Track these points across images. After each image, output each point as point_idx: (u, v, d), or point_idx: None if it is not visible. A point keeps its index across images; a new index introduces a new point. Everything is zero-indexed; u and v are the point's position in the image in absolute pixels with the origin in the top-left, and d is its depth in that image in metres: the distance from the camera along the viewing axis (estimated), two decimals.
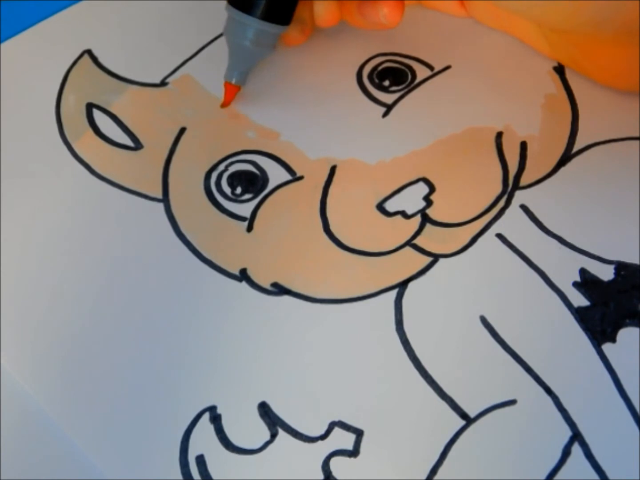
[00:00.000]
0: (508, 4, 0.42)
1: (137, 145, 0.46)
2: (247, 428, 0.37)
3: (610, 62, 0.44)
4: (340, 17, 0.46)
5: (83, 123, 0.46)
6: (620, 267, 0.41)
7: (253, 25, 0.44)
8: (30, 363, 0.39)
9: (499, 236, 0.42)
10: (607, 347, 0.39)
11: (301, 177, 0.44)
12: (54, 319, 0.40)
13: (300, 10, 0.46)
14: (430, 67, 0.48)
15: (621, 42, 0.42)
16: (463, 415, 0.37)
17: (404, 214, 0.42)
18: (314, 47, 0.49)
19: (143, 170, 0.45)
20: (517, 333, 0.39)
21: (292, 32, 0.47)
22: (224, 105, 0.47)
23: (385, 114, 0.47)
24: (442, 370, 0.38)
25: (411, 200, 0.43)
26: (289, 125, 0.46)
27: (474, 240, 0.42)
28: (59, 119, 0.47)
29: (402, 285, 0.41)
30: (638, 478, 0.35)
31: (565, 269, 0.41)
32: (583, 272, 0.41)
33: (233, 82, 0.46)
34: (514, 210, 0.43)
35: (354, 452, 0.37)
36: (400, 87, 0.47)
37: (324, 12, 0.46)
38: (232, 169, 0.45)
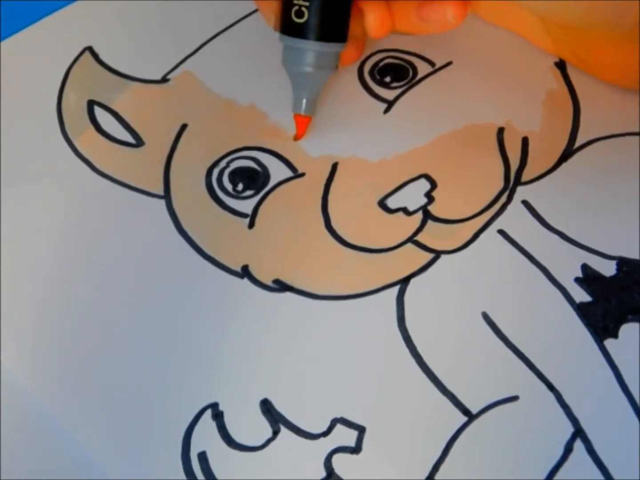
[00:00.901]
0: (522, 3, 0.42)
1: (139, 142, 0.46)
2: (249, 425, 0.38)
3: (614, 60, 0.44)
4: (393, 26, 0.45)
5: (84, 120, 0.46)
6: (623, 263, 0.41)
7: (311, 48, 0.43)
8: (31, 360, 0.39)
9: (501, 232, 0.42)
10: (609, 343, 0.38)
11: (303, 174, 0.44)
12: (54, 315, 0.40)
13: (351, 27, 0.44)
14: (432, 63, 0.48)
15: (629, 40, 0.42)
16: (465, 411, 0.37)
17: (405, 210, 0.42)
18: None
19: (144, 167, 0.45)
20: (519, 329, 0.39)
21: (347, 49, 0.45)
22: (297, 138, 0.46)
23: (386, 110, 0.47)
24: (444, 366, 0.38)
25: (413, 196, 0.43)
26: (291, 123, 0.46)
27: (475, 236, 0.42)
28: (60, 116, 0.47)
29: (404, 282, 0.41)
30: None
31: (567, 265, 0.41)
32: (585, 267, 0.41)
33: (302, 113, 0.45)
34: (515, 206, 0.43)
35: (356, 449, 0.37)
36: (401, 84, 0.47)
37: (376, 22, 0.44)
38: (233, 165, 0.44)
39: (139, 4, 0.51)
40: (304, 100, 0.44)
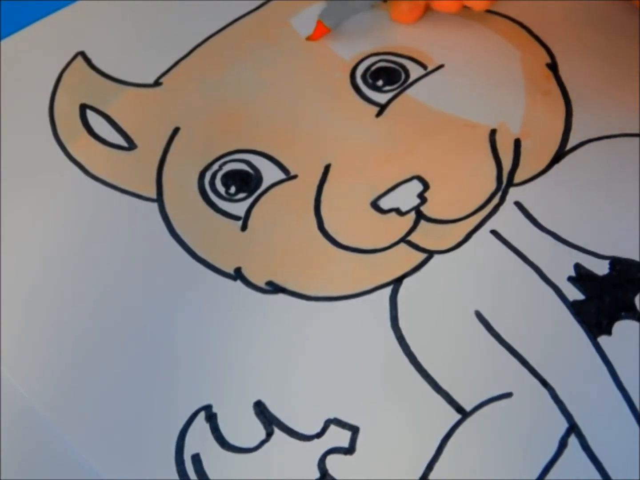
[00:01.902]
0: None
1: (131, 146, 0.46)
2: (242, 427, 0.37)
3: None
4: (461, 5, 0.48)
5: (77, 124, 0.47)
6: (615, 262, 0.41)
7: None
8: (27, 364, 0.39)
9: (494, 232, 0.42)
10: (603, 340, 0.39)
11: (295, 176, 0.44)
12: (48, 318, 0.40)
13: None
14: (424, 66, 0.48)
15: None
16: (459, 409, 0.37)
17: (398, 211, 0.42)
18: (308, 47, 0.50)
19: (137, 170, 0.45)
20: (512, 327, 0.39)
21: (401, 6, 0.50)
22: (310, 39, 0.50)
23: (378, 114, 0.47)
24: (437, 364, 0.38)
25: (405, 197, 0.43)
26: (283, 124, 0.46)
27: (468, 236, 0.42)
28: (52, 121, 0.47)
29: (397, 282, 0.41)
30: (636, 468, 0.35)
31: (560, 264, 0.41)
32: (578, 267, 0.41)
33: (327, 24, 0.49)
34: (508, 207, 0.43)
35: (349, 450, 0.37)
36: (393, 87, 0.48)
37: None
38: (226, 168, 0.45)
39: (131, 8, 0.52)
40: (333, 16, 0.50)
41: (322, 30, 0.49)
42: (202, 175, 0.44)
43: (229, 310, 0.40)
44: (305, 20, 0.50)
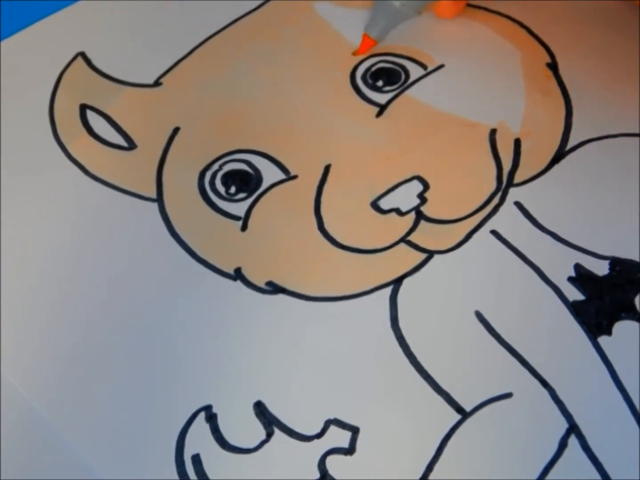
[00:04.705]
0: None
1: (131, 146, 0.46)
2: (242, 427, 0.37)
3: None
4: None
5: (77, 124, 0.47)
6: (615, 262, 0.41)
7: None
8: (27, 364, 0.39)
9: (494, 233, 0.42)
10: (603, 340, 0.39)
11: (295, 176, 0.44)
12: (48, 318, 0.40)
13: None
14: (424, 66, 0.48)
15: None
16: (459, 409, 0.37)
17: (398, 211, 0.42)
18: (308, 46, 0.50)
19: (137, 170, 0.45)
20: (512, 327, 0.39)
21: (444, 2, 0.49)
22: (356, 54, 0.49)
23: (378, 114, 0.47)
24: (437, 365, 0.38)
25: (405, 197, 0.43)
26: (283, 124, 0.46)
27: (468, 236, 0.42)
28: (52, 121, 0.47)
29: (397, 282, 0.41)
30: (636, 468, 0.35)
31: (560, 265, 0.41)
32: (578, 267, 0.41)
33: (373, 36, 0.49)
34: (508, 207, 0.43)
35: (350, 450, 0.37)
36: (393, 87, 0.48)
37: None
38: (226, 168, 0.45)
39: (131, 8, 0.52)
40: (379, 27, 0.49)
41: (368, 44, 0.49)
42: (202, 175, 0.44)
43: (229, 310, 0.40)
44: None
